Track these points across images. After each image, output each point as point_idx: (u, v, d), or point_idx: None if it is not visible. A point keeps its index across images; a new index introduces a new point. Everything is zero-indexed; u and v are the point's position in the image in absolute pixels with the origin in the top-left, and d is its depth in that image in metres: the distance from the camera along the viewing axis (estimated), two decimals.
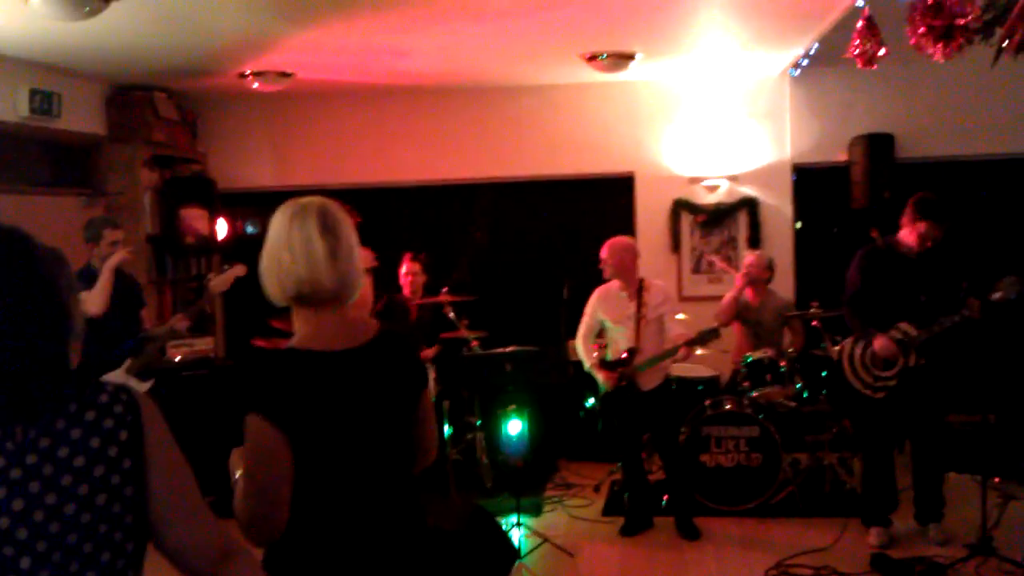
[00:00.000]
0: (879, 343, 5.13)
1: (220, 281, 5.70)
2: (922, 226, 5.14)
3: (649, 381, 5.60)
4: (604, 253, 5.70)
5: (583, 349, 5.83)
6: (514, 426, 6.51)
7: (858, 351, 5.30)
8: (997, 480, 6.01)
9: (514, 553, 5.05)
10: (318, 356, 2.14)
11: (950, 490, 5.62)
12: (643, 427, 5.80)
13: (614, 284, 5.71)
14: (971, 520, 5.15)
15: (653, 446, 6.04)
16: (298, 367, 2.12)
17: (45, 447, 1.50)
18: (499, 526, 5.03)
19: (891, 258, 5.25)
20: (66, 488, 1.51)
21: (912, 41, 4.47)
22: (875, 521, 5.37)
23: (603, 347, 5.90)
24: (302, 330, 2.21)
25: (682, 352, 5.53)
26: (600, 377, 5.69)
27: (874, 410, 5.30)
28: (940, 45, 4.44)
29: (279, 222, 2.17)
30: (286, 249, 2.13)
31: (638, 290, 5.60)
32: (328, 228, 2.14)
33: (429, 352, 6.60)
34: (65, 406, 1.54)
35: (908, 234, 5.23)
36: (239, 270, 5.65)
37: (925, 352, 5.17)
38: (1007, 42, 3.90)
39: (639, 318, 5.57)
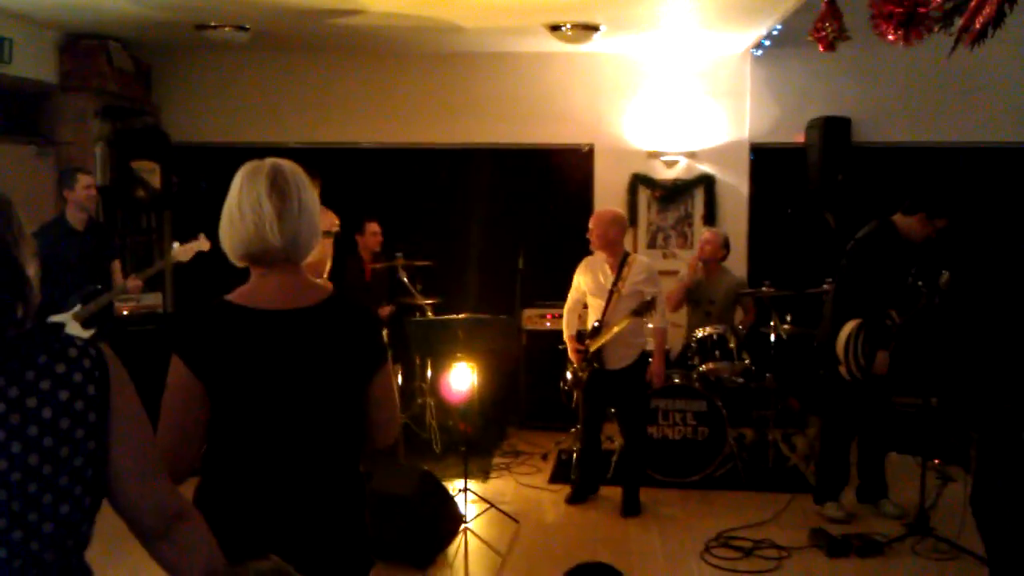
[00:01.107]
0: (881, 360, 5.15)
1: (182, 251, 5.71)
2: (941, 223, 5.26)
3: (616, 360, 5.56)
4: (591, 223, 5.65)
5: (566, 319, 5.81)
6: (459, 376, 6.38)
7: (856, 335, 5.19)
8: (936, 462, 6.17)
9: (460, 519, 5.08)
10: (248, 312, 2.16)
11: (891, 470, 5.80)
12: (608, 403, 5.76)
13: (599, 255, 5.67)
14: (910, 500, 5.31)
15: (617, 420, 5.96)
16: (223, 320, 2.16)
17: (14, 396, 1.50)
18: (446, 491, 5.07)
19: (897, 245, 5.28)
20: (32, 438, 1.50)
21: (874, 27, 4.53)
22: (829, 496, 5.48)
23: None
24: (245, 286, 2.24)
25: (627, 323, 5.49)
26: (569, 349, 5.71)
27: (847, 391, 5.34)
28: (902, 32, 4.50)
29: (234, 183, 2.21)
30: (237, 209, 2.16)
31: (620, 263, 5.58)
32: (277, 189, 2.16)
33: (384, 311, 6.60)
34: (35, 357, 1.54)
35: (919, 226, 5.27)
36: (203, 244, 5.65)
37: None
38: (965, 32, 3.95)
39: (612, 292, 5.54)
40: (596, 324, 5.56)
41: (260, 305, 2.18)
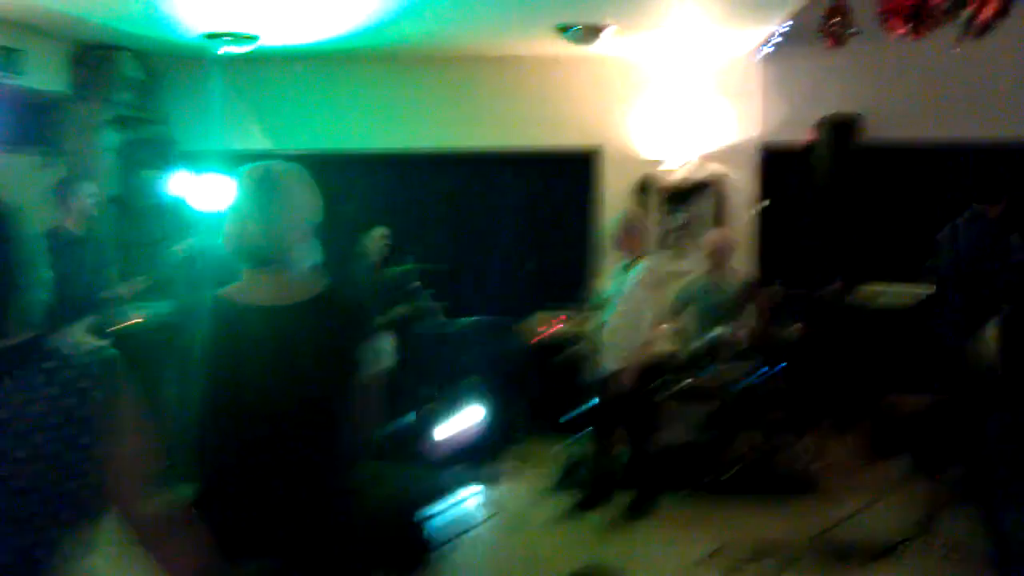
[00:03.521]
0: None
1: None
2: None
3: (609, 362, 5.54)
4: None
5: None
6: (474, 412, 6.46)
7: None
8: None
9: (465, 523, 5.06)
10: (236, 306, 2.20)
11: (896, 471, 5.75)
12: (612, 403, 5.72)
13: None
14: (916, 501, 5.24)
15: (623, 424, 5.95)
16: (210, 314, 2.18)
17: (19, 402, 1.50)
18: (451, 496, 5.04)
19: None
20: (37, 445, 1.51)
21: (883, 22, 4.48)
22: None
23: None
24: (239, 282, 2.26)
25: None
26: None
27: None
28: (910, 26, 4.45)
29: (237, 185, 2.26)
30: (235, 210, 2.22)
31: (628, 266, 5.57)
32: (272, 190, 2.20)
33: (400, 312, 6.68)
34: (41, 363, 1.55)
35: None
36: None
37: None
38: (971, 24, 3.91)
39: (615, 295, 5.55)
40: (602, 323, 5.59)
41: (249, 300, 2.21)
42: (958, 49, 4.10)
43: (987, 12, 3.83)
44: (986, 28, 3.86)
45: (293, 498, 2.18)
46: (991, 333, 5.34)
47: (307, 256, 2.29)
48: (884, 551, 4.86)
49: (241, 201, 2.21)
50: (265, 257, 2.20)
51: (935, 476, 5.49)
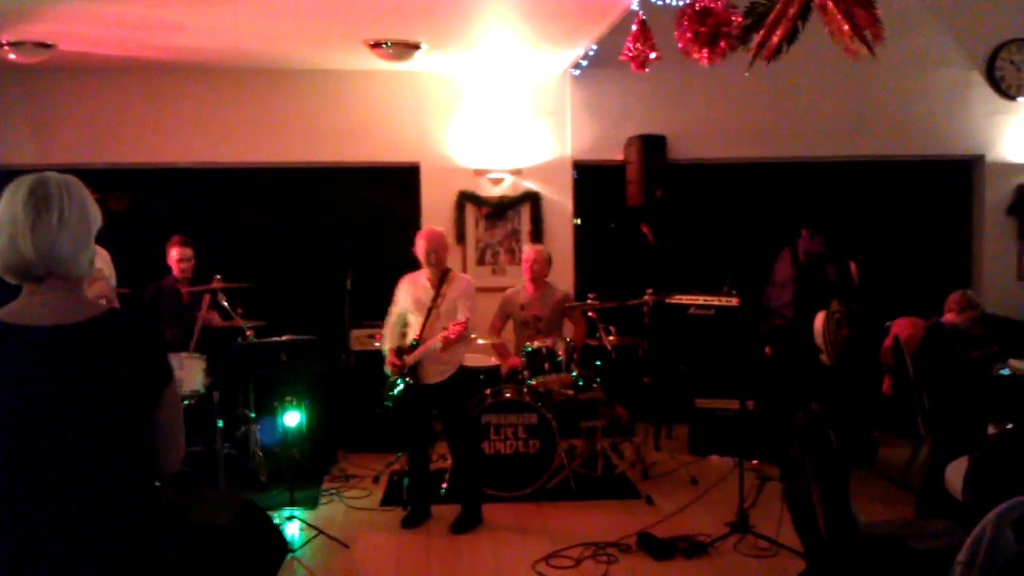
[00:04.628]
0: None
1: None
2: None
3: (432, 375, 5.53)
4: (417, 241, 5.63)
5: (387, 334, 5.75)
6: (291, 418, 6.36)
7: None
8: (755, 462, 6.43)
9: (285, 548, 4.89)
10: (8, 328, 2.03)
11: (711, 471, 5.99)
12: (430, 419, 5.71)
13: (422, 272, 5.64)
14: (731, 499, 5.48)
15: (444, 435, 5.94)
16: None
17: None
18: (269, 520, 4.87)
19: None
20: None
21: (680, 45, 4.70)
22: None
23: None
24: (15, 302, 2.11)
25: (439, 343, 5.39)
26: (387, 362, 5.64)
27: None
28: (706, 50, 4.69)
29: (3, 198, 2.10)
30: (2, 224, 2.05)
31: (440, 280, 5.56)
32: (38, 200, 2.05)
33: (210, 316, 6.47)
34: None
35: None
36: None
37: None
38: (762, 48, 4.15)
39: (431, 308, 5.53)
40: (415, 340, 5.53)
41: (24, 321, 2.04)
42: (747, 73, 4.34)
43: (776, 37, 4.07)
44: (777, 51, 4.11)
45: (87, 537, 2.03)
46: (819, 318, 6.41)
47: (88, 269, 2.18)
48: (703, 547, 5.09)
49: (5, 212, 2.05)
50: (37, 272, 2.06)
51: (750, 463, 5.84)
